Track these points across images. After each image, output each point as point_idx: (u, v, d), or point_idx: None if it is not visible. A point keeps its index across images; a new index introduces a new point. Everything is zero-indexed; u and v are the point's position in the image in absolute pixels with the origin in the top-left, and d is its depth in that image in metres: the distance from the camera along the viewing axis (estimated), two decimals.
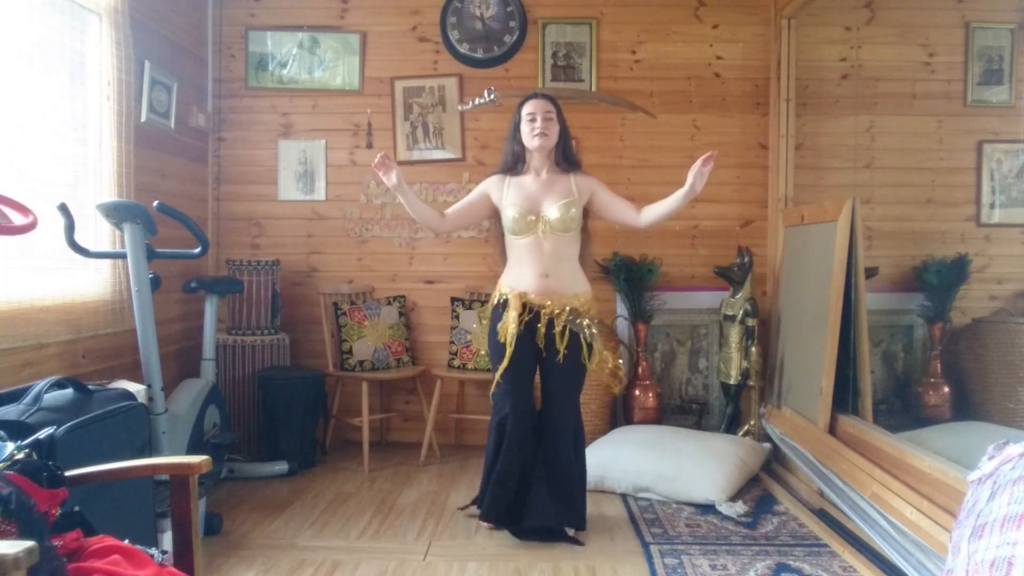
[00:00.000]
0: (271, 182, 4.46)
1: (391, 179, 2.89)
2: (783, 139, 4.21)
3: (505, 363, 2.92)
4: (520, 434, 2.95)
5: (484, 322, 2.99)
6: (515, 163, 3.04)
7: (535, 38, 4.40)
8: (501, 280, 3.06)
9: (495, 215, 3.10)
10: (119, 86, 3.23)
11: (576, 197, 2.98)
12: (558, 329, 2.91)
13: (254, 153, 4.47)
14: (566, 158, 3.05)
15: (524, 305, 2.92)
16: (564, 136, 3.04)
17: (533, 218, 2.94)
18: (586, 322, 2.94)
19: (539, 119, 2.95)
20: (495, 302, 3.02)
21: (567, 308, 2.92)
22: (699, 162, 2.77)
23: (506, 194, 3.01)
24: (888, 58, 4.36)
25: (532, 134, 2.95)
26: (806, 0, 4.01)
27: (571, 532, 3.00)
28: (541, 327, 2.92)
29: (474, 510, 3.18)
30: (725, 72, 4.42)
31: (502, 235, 3.08)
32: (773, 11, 4.31)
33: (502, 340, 2.93)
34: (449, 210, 3.14)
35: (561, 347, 2.91)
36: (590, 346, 2.96)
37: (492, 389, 3.01)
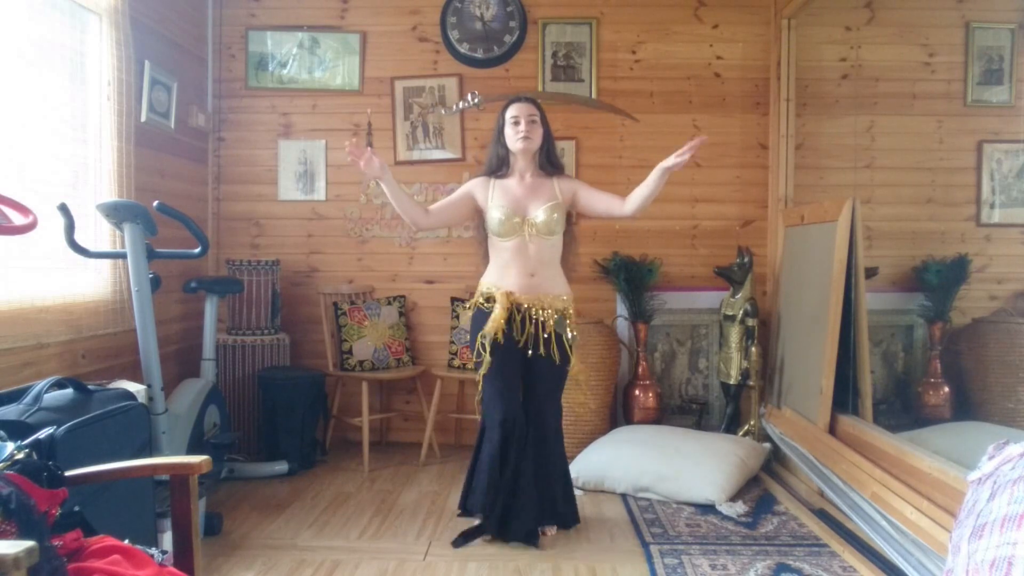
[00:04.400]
0: (271, 182, 4.46)
1: (373, 168, 2.81)
2: (783, 139, 4.21)
3: (487, 360, 2.87)
4: (520, 435, 2.90)
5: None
6: (499, 166, 3.05)
7: (535, 38, 4.40)
8: (483, 279, 3.05)
9: (478, 217, 3.09)
10: (119, 86, 3.23)
11: (560, 200, 3.00)
12: (546, 331, 2.91)
13: (254, 153, 4.47)
14: (550, 161, 3.05)
15: (511, 303, 2.92)
16: (548, 139, 3.05)
17: (519, 220, 2.95)
18: (568, 324, 2.97)
19: (523, 122, 2.96)
20: (478, 299, 3.00)
21: (552, 310, 2.94)
22: (687, 146, 2.75)
23: (491, 196, 3.01)
24: (888, 58, 4.36)
25: (516, 137, 2.96)
26: (806, 0, 4.01)
27: (551, 532, 2.98)
28: (529, 327, 2.91)
29: (471, 521, 3.05)
30: (725, 72, 4.42)
31: (485, 238, 3.08)
32: (773, 11, 4.31)
33: (489, 336, 2.88)
34: (432, 206, 3.11)
35: (553, 350, 2.91)
36: (571, 347, 2.97)
37: (478, 391, 2.98)
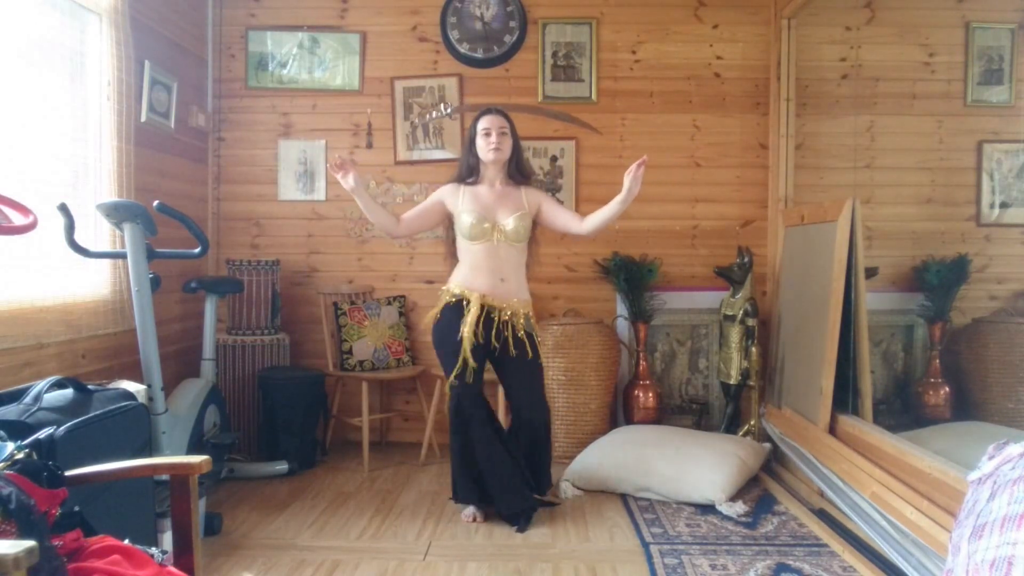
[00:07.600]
0: (271, 182, 4.46)
1: (348, 182, 3.04)
2: (783, 139, 4.21)
3: (463, 361, 3.03)
4: (479, 417, 3.11)
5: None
6: (469, 174, 3.21)
7: (535, 38, 4.40)
8: (452, 278, 3.19)
9: (448, 222, 3.25)
10: (119, 86, 3.23)
11: (527, 210, 3.18)
12: (520, 333, 3.09)
13: (254, 153, 4.47)
14: (519, 170, 3.23)
15: (483, 306, 3.08)
16: (517, 150, 3.22)
17: (488, 226, 3.11)
18: (534, 324, 3.18)
19: (494, 134, 3.12)
20: (448, 300, 3.13)
21: (521, 313, 3.13)
22: (633, 166, 2.93)
23: (461, 201, 3.17)
24: (888, 58, 4.36)
25: (488, 148, 3.12)
26: (806, 0, 4.01)
27: (542, 498, 3.26)
28: (495, 328, 3.07)
29: (464, 510, 3.24)
30: (725, 72, 4.42)
31: (454, 240, 3.24)
32: (773, 11, 4.31)
33: (460, 338, 3.04)
34: (404, 215, 3.26)
35: (526, 348, 3.10)
36: (537, 347, 3.16)
37: (449, 388, 3.11)
